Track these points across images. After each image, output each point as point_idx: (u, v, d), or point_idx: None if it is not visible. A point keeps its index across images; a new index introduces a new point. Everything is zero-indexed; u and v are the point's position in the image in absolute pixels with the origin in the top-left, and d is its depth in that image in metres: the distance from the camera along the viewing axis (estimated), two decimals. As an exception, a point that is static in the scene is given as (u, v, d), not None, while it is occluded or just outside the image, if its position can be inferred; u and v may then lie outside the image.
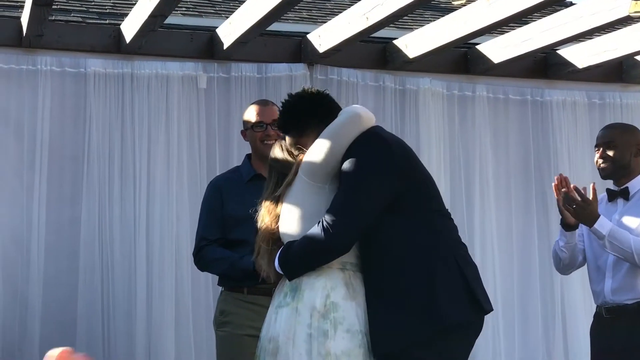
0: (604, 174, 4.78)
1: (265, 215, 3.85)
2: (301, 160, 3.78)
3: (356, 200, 3.62)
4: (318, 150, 3.71)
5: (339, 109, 3.89)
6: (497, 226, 7.09)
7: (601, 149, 4.76)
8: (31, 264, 6.08)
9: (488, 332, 6.81)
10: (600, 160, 4.76)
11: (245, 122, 4.86)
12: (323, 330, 3.58)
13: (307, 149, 3.78)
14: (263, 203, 3.88)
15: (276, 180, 3.87)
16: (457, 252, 3.72)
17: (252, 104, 4.97)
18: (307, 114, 3.85)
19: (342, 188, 3.66)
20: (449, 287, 3.59)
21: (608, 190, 4.80)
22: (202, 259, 4.71)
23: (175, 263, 6.32)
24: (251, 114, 4.81)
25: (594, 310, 4.84)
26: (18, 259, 6.10)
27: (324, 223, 3.60)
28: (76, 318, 6.13)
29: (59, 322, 6.12)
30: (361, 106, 3.90)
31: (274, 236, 3.82)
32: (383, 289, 3.65)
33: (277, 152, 3.92)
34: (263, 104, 4.90)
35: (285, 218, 3.79)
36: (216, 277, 5.01)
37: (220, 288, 4.86)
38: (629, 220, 4.63)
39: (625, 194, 4.71)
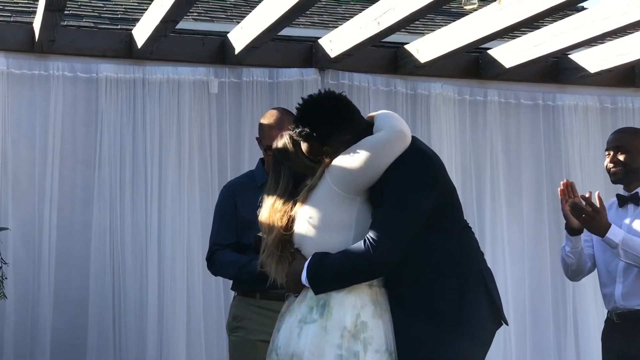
0: (615, 178, 4.76)
1: (273, 214, 3.75)
2: (328, 164, 3.68)
3: (403, 219, 3.55)
4: (356, 162, 3.59)
5: (358, 111, 3.84)
6: (508, 231, 7.08)
7: (612, 153, 4.75)
8: (42, 268, 6.09)
9: (499, 337, 6.81)
10: (611, 165, 4.74)
11: (260, 131, 4.81)
12: (354, 351, 3.50)
13: (331, 154, 3.69)
14: (271, 200, 3.79)
15: (288, 180, 3.76)
16: (484, 266, 3.73)
17: (267, 111, 4.91)
18: (331, 117, 3.74)
19: (388, 205, 3.56)
20: (477, 301, 3.60)
21: (618, 196, 4.78)
22: (214, 264, 4.71)
23: (186, 267, 6.32)
24: (265, 122, 4.78)
25: (605, 315, 4.83)
26: (29, 263, 6.12)
27: (370, 240, 3.51)
28: (87, 323, 6.14)
29: (70, 327, 6.14)
30: (399, 118, 3.77)
31: (285, 239, 3.73)
32: (414, 302, 3.59)
33: (286, 145, 3.79)
34: (278, 112, 4.86)
35: (306, 224, 3.67)
36: (228, 283, 5.01)
37: (233, 293, 4.86)
38: (639, 225, 4.62)
39: (635, 199, 4.69)
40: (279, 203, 3.76)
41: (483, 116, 7.19)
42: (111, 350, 6.16)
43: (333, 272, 3.59)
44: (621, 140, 4.76)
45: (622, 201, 4.75)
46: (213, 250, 4.69)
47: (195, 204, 6.41)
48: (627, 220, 4.67)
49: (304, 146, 3.76)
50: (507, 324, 3.76)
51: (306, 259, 3.66)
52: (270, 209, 3.77)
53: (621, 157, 4.70)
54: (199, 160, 6.48)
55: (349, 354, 3.49)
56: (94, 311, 6.16)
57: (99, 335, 6.15)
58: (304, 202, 3.68)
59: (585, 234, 4.80)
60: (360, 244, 3.55)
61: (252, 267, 4.28)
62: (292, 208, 3.73)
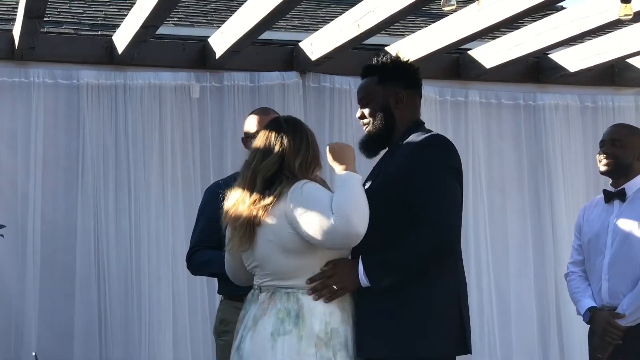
0: (605, 170, 4.74)
1: (242, 205, 3.66)
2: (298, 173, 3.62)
3: (458, 199, 3.67)
4: (307, 224, 3.50)
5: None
6: (491, 230, 7.11)
7: (606, 145, 4.75)
8: (27, 275, 6.07)
9: (484, 333, 6.85)
10: (603, 156, 4.73)
11: (246, 131, 4.82)
12: (327, 358, 3.51)
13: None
14: (240, 194, 3.71)
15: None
16: (464, 288, 3.73)
17: (253, 112, 4.92)
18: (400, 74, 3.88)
19: (440, 187, 3.59)
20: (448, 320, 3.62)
21: (605, 192, 4.80)
22: (194, 263, 4.70)
23: (171, 272, 6.32)
24: (252, 123, 4.79)
25: None
26: (13, 270, 6.10)
27: (444, 223, 3.55)
28: (73, 329, 6.13)
29: (55, 334, 6.12)
30: (358, 197, 3.58)
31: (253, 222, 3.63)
32: (412, 303, 3.59)
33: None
34: (264, 113, 4.86)
35: (269, 246, 3.60)
36: (213, 286, 4.99)
37: (219, 296, 4.85)
38: (625, 223, 4.63)
39: (622, 196, 4.70)
40: (248, 198, 3.68)
41: (464, 116, 7.21)
42: (97, 356, 6.15)
43: (415, 259, 3.56)
44: (620, 134, 4.76)
45: (608, 197, 4.76)
46: (193, 250, 4.69)
47: (179, 207, 6.41)
48: (612, 218, 4.68)
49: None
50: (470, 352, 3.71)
51: (350, 260, 3.64)
52: (239, 202, 3.71)
53: (615, 151, 4.70)
54: (182, 165, 6.48)
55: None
56: (79, 317, 6.15)
57: (85, 341, 6.14)
58: (264, 215, 3.60)
59: (576, 240, 4.87)
60: (435, 228, 3.54)
61: None
62: (259, 209, 3.63)
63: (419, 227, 3.53)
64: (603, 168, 4.75)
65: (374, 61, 3.92)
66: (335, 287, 3.57)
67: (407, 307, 3.57)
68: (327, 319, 3.56)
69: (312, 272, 3.61)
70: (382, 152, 3.92)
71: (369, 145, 3.88)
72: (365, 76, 3.94)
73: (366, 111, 3.87)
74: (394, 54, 3.98)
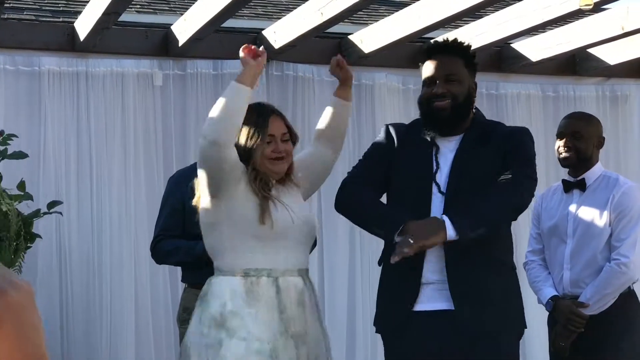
0: (566, 163, 4.76)
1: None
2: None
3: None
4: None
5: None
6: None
7: (565, 139, 4.77)
8: (-13, 265, 6.03)
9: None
10: (564, 149, 4.75)
11: None
12: (218, 339, 3.57)
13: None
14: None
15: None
16: None
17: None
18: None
19: (526, 160, 3.85)
20: None
21: (564, 181, 4.82)
22: (158, 252, 4.70)
23: (133, 260, 6.30)
24: None
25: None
26: (-26, 260, 6.06)
27: (522, 181, 3.78)
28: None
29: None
30: None
31: None
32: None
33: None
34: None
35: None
36: (176, 274, 4.98)
37: (182, 285, 4.84)
38: (586, 212, 4.67)
39: (582, 185, 4.73)
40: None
41: (427, 105, 7.23)
42: (59, 343, 6.12)
43: (488, 216, 3.74)
44: (577, 126, 4.78)
45: (567, 186, 4.79)
46: (158, 240, 4.68)
47: (141, 196, 6.39)
48: (572, 207, 4.72)
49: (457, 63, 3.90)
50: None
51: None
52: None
53: (576, 144, 4.72)
54: (144, 153, 6.46)
55: (214, 342, 3.57)
56: (40, 306, 6.08)
57: (46, 329, 6.09)
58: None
59: (534, 229, 4.90)
60: (504, 188, 3.75)
61: (198, 251, 4.27)
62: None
63: (503, 188, 3.73)
64: (565, 161, 4.77)
65: (453, 41, 3.96)
66: (412, 240, 3.62)
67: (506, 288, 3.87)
68: (225, 300, 3.61)
69: (221, 252, 3.70)
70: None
71: (444, 124, 3.90)
72: (445, 52, 3.94)
73: (453, 89, 3.86)
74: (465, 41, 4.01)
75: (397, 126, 4.12)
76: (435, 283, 3.78)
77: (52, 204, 5.17)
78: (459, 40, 3.97)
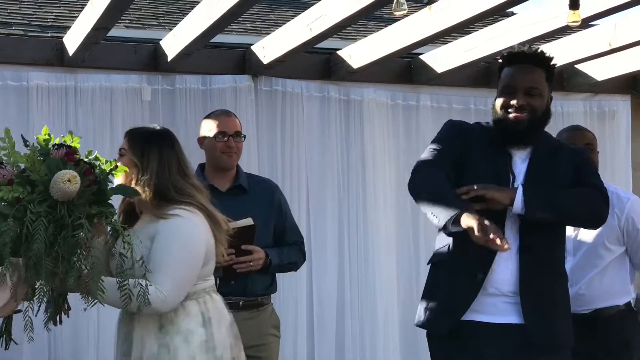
0: None
1: None
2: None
3: None
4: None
5: None
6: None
7: None
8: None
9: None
10: None
11: (207, 130, 4.80)
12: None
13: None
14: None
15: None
16: None
17: (214, 112, 4.94)
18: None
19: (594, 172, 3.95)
20: None
21: None
22: None
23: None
24: (213, 123, 4.78)
25: None
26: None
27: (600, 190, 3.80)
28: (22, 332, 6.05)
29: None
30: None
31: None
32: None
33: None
34: (227, 114, 4.88)
35: None
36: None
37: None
38: (585, 233, 4.70)
39: None
40: None
41: (416, 121, 7.25)
42: (46, 346, 6.11)
43: (562, 205, 3.72)
44: (577, 140, 4.80)
45: None
46: None
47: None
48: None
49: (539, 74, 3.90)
50: None
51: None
52: None
53: None
54: (133, 168, 6.44)
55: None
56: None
57: (34, 338, 6.08)
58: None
59: None
60: (590, 191, 3.77)
61: None
62: None
63: (589, 190, 3.76)
64: None
65: (539, 53, 3.91)
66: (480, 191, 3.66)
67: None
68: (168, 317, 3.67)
69: None
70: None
71: (519, 135, 3.88)
72: (529, 62, 3.89)
73: (534, 102, 3.86)
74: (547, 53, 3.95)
75: (465, 125, 4.11)
76: (501, 296, 3.73)
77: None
78: (544, 53, 3.93)
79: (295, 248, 4.87)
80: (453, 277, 3.78)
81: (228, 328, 3.80)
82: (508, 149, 3.88)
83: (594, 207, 3.75)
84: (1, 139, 3.55)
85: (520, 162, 3.87)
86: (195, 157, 4.92)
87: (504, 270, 3.70)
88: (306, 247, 5.08)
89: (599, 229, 4.48)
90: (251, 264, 4.52)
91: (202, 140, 4.82)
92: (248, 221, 4.43)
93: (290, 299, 6.66)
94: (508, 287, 3.70)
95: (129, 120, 6.46)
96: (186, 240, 3.63)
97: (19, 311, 3.49)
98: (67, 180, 3.35)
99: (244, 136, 4.83)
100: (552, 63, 3.93)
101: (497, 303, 3.71)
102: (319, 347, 6.76)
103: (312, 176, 6.90)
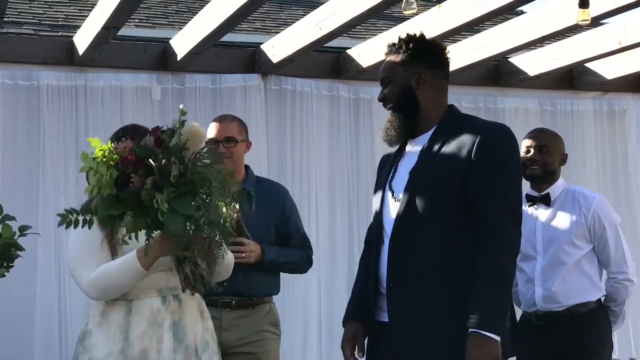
0: (532, 174, 4.75)
1: None
2: None
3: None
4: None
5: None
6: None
7: (534, 152, 4.76)
8: (-14, 281, 6.02)
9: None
10: (530, 162, 4.75)
11: (207, 136, 4.82)
12: (76, 356, 3.93)
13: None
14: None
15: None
16: None
17: (214, 119, 4.94)
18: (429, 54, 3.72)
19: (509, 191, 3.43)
20: None
21: (528, 196, 4.80)
22: None
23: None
24: (208, 130, 4.80)
25: None
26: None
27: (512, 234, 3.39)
28: (34, 333, 6.08)
29: (16, 337, 6.05)
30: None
31: None
32: None
33: None
34: (220, 119, 4.87)
35: None
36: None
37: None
38: (556, 227, 4.71)
39: (546, 200, 4.75)
40: None
41: (425, 119, 7.24)
42: (57, 341, 6.13)
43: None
44: (546, 140, 4.81)
45: (531, 200, 4.80)
46: None
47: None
48: (539, 223, 4.74)
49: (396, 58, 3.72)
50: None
51: None
52: None
53: (544, 157, 4.75)
54: (143, 167, 6.45)
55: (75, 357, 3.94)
56: (40, 320, 6.09)
57: (45, 346, 6.09)
58: None
59: None
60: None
61: None
62: None
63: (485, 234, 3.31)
64: (530, 173, 4.75)
65: (397, 40, 3.74)
66: None
67: None
68: (88, 319, 3.99)
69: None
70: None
71: (391, 132, 3.71)
72: (387, 55, 3.78)
73: (387, 92, 3.74)
74: (417, 34, 3.77)
75: (383, 157, 4.10)
76: None
77: (23, 228, 5.10)
78: (401, 36, 3.79)
79: (298, 250, 4.84)
80: None
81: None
82: (406, 148, 3.76)
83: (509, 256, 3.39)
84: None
85: (414, 155, 3.68)
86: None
87: None
88: (315, 246, 5.06)
89: (567, 226, 4.62)
90: (243, 254, 4.50)
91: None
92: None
93: (300, 300, 6.66)
94: None
95: (138, 120, 6.44)
96: None
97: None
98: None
99: (243, 140, 4.76)
100: (406, 44, 3.73)
101: None
102: (328, 349, 6.75)
103: (321, 175, 6.91)
